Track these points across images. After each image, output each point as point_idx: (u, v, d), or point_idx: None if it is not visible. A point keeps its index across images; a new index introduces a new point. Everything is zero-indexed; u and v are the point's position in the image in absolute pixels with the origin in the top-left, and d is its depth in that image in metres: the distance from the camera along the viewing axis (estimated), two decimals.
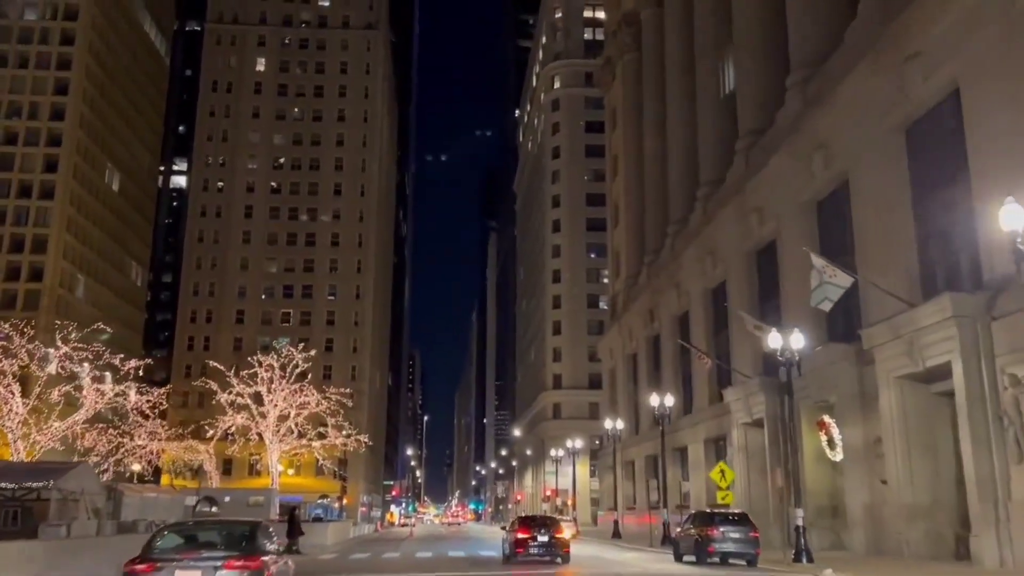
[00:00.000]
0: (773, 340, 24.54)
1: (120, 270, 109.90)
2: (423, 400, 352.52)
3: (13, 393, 40.86)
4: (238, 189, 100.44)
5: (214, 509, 34.32)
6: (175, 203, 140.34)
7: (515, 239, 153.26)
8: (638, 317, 61.03)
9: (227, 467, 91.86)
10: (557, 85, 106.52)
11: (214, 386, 54.83)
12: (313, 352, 59.15)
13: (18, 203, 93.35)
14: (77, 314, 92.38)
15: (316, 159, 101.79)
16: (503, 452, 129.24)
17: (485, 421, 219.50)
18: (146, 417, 50.96)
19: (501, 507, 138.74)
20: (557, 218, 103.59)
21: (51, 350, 43.86)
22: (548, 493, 74.63)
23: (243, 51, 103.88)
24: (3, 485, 28.57)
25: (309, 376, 61.71)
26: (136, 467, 69.79)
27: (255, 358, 54.93)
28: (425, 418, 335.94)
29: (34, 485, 28.21)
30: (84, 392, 43.43)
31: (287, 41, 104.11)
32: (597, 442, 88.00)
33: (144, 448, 53.85)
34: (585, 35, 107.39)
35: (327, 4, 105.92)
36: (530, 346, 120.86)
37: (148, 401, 51.20)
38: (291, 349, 56.67)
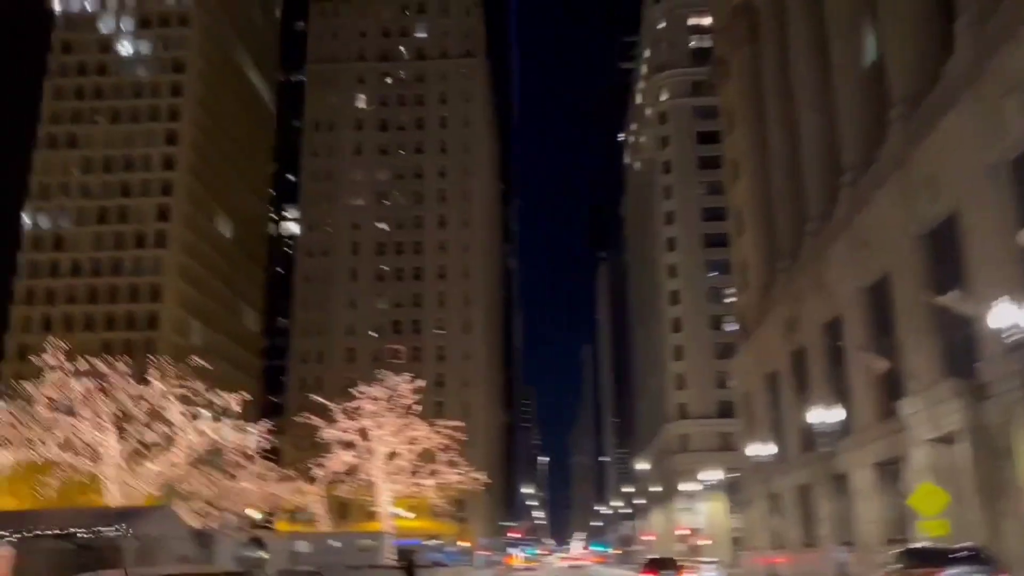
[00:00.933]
0: (999, 316, 18.42)
1: (235, 316, 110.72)
2: (541, 440, 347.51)
3: (108, 433, 38.41)
4: (344, 227, 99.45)
5: (262, 554, 30.17)
6: (287, 249, 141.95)
7: (625, 267, 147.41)
8: (775, 330, 54.42)
9: (343, 511, 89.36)
10: (664, 97, 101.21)
11: (317, 421, 51.59)
12: (422, 382, 55.27)
13: (135, 253, 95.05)
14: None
15: (419, 191, 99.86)
16: (626, 489, 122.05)
17: (604, 459, 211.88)
18: (249, 458, 48.02)
19: (629, 547, 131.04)
20: (672, 236, 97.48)
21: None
22: (684, 532, 67.91)
23: (343, 89, 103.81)
24: (74, 531, 25.30)
25: (420, 409, 58.10)
26: (257, 514, 67.74)
27: (357, 390, 51.48)
28: (543, 459, 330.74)
29: (106, 531, 24.78)
30: (177, 430, 40.69)
31: (386, 76, 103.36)
32: (734, 474, 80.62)
33: (249, 491, 50.89)
34: (691, 43, 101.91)
35: (424, 36, 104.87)
36: (649, 376, 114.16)
37: (263, 438, 48.80)
38: (396, 378, 53.06)
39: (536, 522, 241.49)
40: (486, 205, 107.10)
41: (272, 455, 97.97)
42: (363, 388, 52.54)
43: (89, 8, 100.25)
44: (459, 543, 78.24)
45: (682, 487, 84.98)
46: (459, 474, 61.07)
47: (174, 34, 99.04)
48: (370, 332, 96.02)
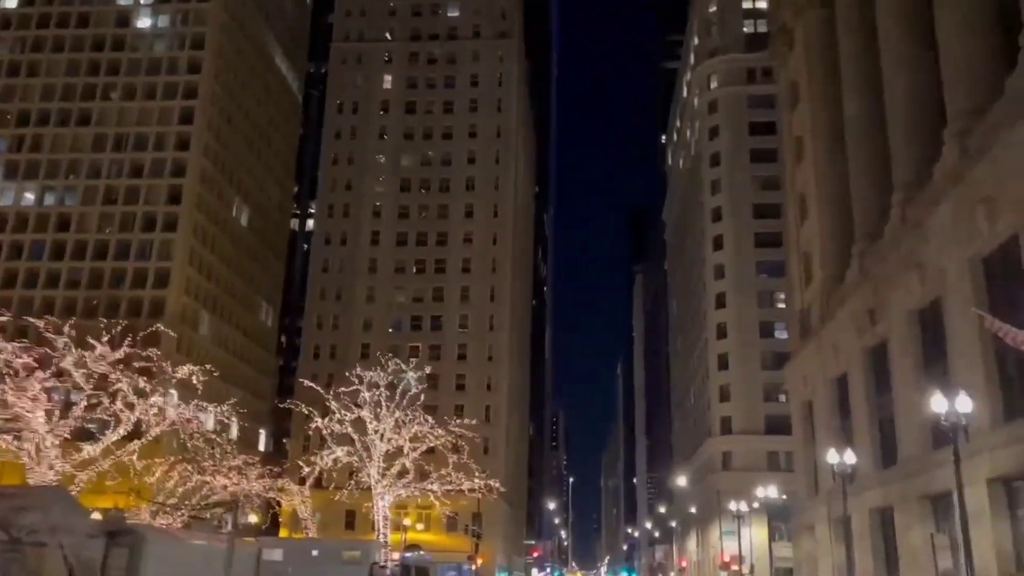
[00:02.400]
0: None
1: (250, 310, 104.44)
2: (567, 461, 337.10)
3: (38, 405, 31.45)
4: (364, 215, 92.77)
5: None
6: (308, 245, 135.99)
7: (665, 276, 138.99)
8: (847, 326, 46.15)
9: (350, 520, 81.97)
10: (714, 85, 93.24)
11: (305, 409, 44.34)
12: (428, 369, 47.88)
13: (142, 236, 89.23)
14: (201, 353, 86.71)
15: (446, 179, 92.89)
16: (661, 509, 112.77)
17: (635, 481, 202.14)
18: (222, 450, 40.87)
19: (660, 575, 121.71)
20: (719, 234, 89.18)
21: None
22: (726, 559, 59.28)
23: (369, 69, 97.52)
24: None
25: (436, 409, 50.86)
26: (253, 517, 60.66)
27: (353, 373, 44.16)
28: (570, 480, 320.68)
29: None
30: (120, 405, 33.61)
31: (415, 56, 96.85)
32: (782, 496, 71.81)
33: (225, 489, 43.69)
34: (744, 27, 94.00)
35: (456, 15, 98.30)
36: (688, 389, 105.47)
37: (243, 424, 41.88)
38: (400, 363, 45.78)
39: (563, 543, 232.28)
40: (518, 199, 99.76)
41: (279, 455, 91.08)
42: (362, 372, 45.30)
43: None
44: (474, 561, 70.29)
45: (732, 506, 76.43)
46: (473, 480, 53.36)
47: (194, 8, 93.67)
48: (388, 329, 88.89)
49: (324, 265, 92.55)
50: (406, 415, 46.68)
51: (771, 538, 77.88)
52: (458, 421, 54.10)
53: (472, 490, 50.42)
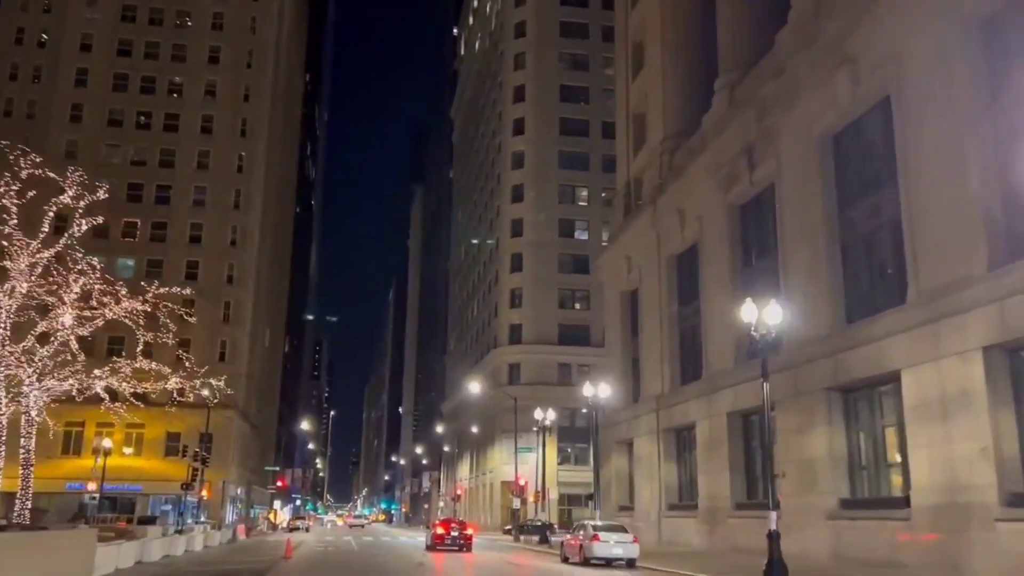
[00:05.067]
0: None
1: None
2: (330, 393, 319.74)
3: None
4: (68, 47, 70.03)
5: None
6: None
7: (450, 186, 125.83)
8: (705, 180, 35.19)
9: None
10: None
11: None
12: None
13: None
14: None
15: (185, 11, 72.22)
16: (438, 429, 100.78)
17: (401, 410, 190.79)
18: None
19: (427, 506, 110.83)
20: (520, 116, 77.02)
21: None
22: (521, 483, 47.75)
23: None
24: None
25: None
26: None
27: None
28: (332, 412, 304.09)
29: None
30: None
31: None
32: (579, 412, 62.12)
33: None
34: None
35: None
36: (471, 301, 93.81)
37: None
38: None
39: (319, 474, 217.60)
40: (282, 61, 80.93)
41: None
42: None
43: None
44: (194, 491, 53.82)
45: (538, 415, 65.82)
46: (183, 377, 37.13)
47: None
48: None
49: (6, 108, 68.97)
50: (71, 262, 29.60)
51: (558, 461, 68.69)
52: (188, 315, 37.52)
53: (181, 386, 34.42)
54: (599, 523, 25.60)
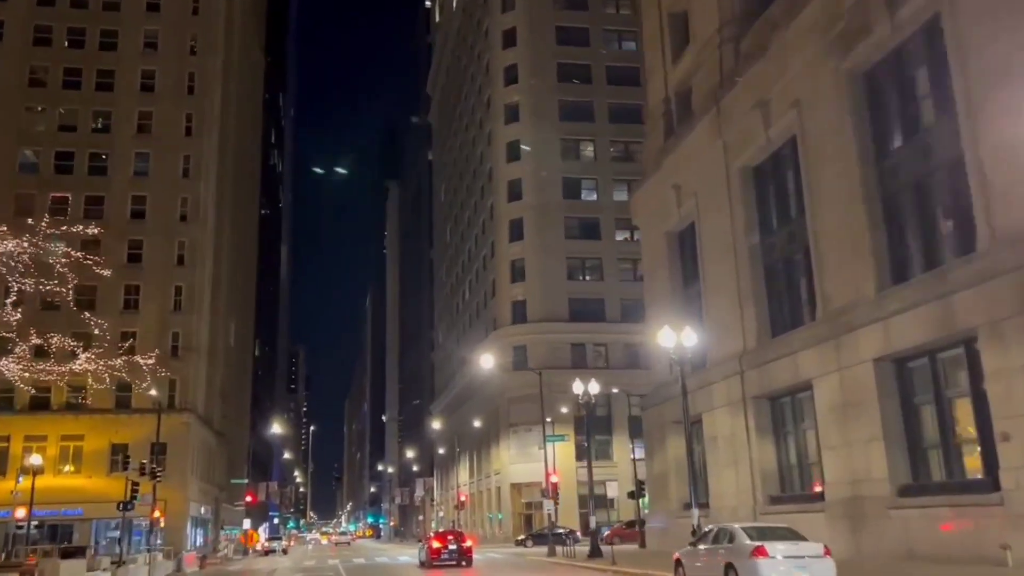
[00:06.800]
0: None
1: None
2: (308, 408, 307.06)
3: None
4: None
5: None
6: None
7: (429, 168, 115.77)
8: (803, 48, 25.77)
9: None
10: None
11: None
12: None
13: None
14: None
15: None
16: (435, 425, 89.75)
17: (385, 419, 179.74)
18: None
19: (421, 517, 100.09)
20: (512, 63, 67.34)
21: None
22: (552, 481, 37.64)
23: None
24: None
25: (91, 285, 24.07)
26: None
27: None
28: (312, 428, 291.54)
29: None
30: None
31: None
32: (599, 399, 52.50)
33: None
34: None
35: None
36: (462, 285, 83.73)
37: None
38: None
39: (300, 490, 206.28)
40: (236, 15, 70.62)
41: None
42: None
43: None
44: (151, 512, 43.39)
45: (518, 421, 56.06)
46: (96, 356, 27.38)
47: None
48: (15, 169, 57.38)
49: None
50: None
51: (576, 458, 59.05)
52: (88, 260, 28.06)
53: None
54: (752, 526, 15.52)
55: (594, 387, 31.37)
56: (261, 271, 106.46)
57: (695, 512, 22.00)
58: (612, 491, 58.86)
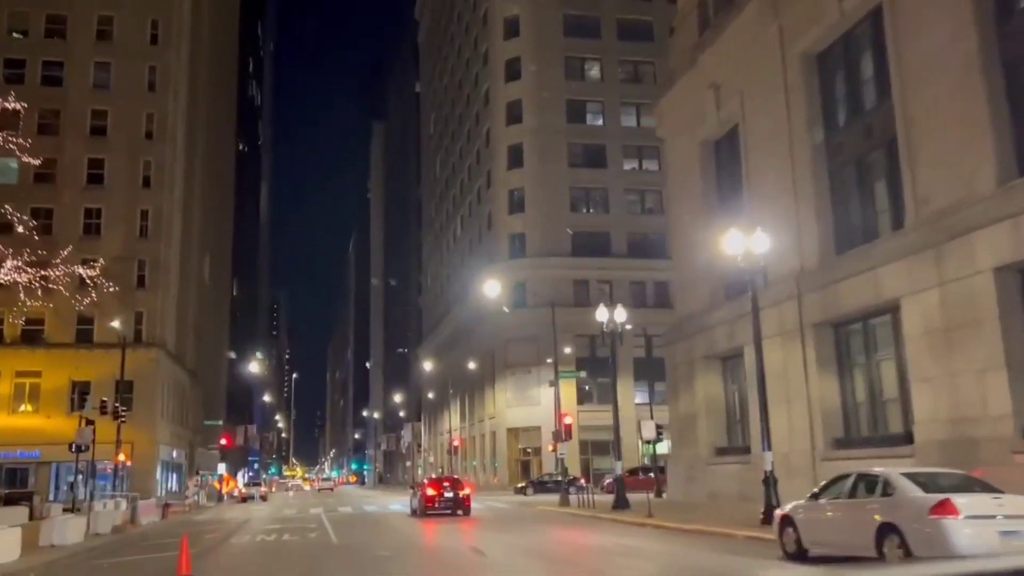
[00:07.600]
0: None
1: None
2: (291, 355, 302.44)
3: None
4: None
5: None
6: None
7: (416, 100, 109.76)
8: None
9: None
10: None
11: None
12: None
13: None
14: None
15: None
16: (425, 366, 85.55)
17: (369, 365, 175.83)
18: None
19: (408, 463, 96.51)
20: None
21: None
22: (566, 422, 33.36)
23: None
24: None
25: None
26: None
27: None
28: (294, 375, 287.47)
29: None
30: None
31: None
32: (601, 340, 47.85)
33: None
34: None
35: None
36: (454, 221, 78.78)
37: None
38: None
39: (282, 435, 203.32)
40: None
41: None
42: None
43: None
44: (115, 455, 38.86)
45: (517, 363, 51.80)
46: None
47: None
48: None
49: None
50: None
51: (578, 400, 55.17)
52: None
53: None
54: (915, 471, 10.90)
55: (620, 314, 26.93)
56: (240, 209, 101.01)
57: (767, 455, 17.79)
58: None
